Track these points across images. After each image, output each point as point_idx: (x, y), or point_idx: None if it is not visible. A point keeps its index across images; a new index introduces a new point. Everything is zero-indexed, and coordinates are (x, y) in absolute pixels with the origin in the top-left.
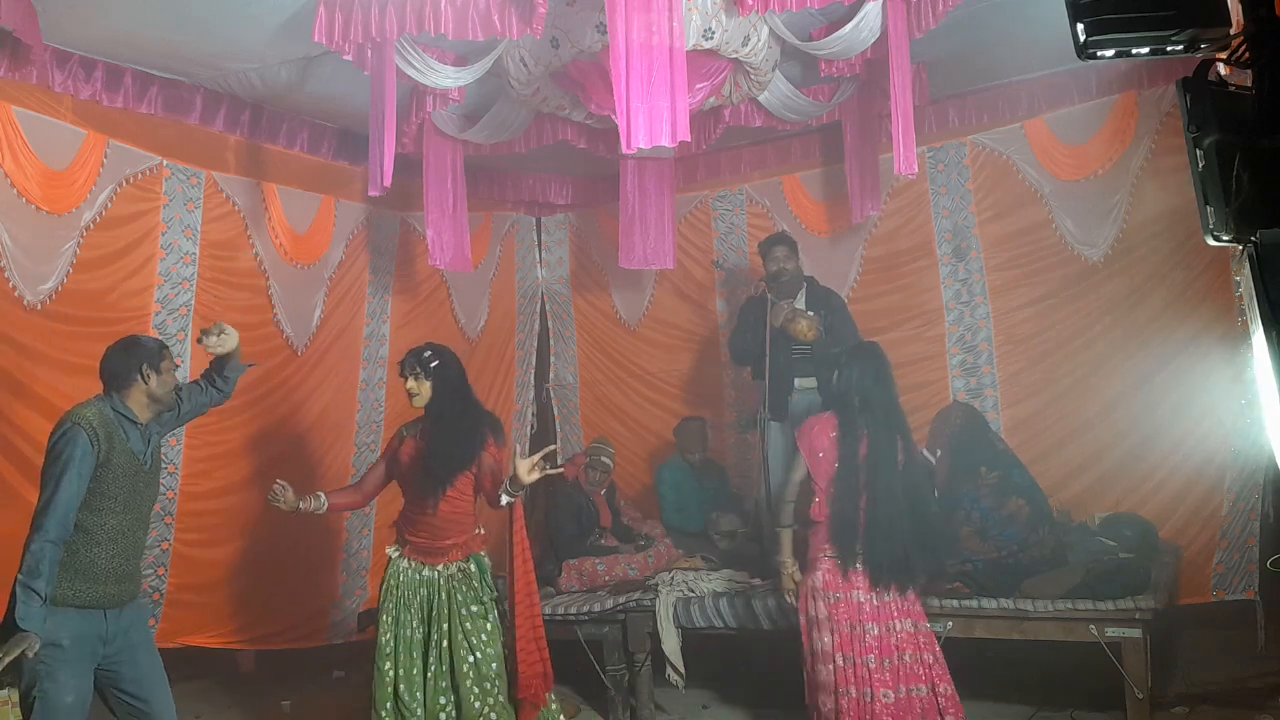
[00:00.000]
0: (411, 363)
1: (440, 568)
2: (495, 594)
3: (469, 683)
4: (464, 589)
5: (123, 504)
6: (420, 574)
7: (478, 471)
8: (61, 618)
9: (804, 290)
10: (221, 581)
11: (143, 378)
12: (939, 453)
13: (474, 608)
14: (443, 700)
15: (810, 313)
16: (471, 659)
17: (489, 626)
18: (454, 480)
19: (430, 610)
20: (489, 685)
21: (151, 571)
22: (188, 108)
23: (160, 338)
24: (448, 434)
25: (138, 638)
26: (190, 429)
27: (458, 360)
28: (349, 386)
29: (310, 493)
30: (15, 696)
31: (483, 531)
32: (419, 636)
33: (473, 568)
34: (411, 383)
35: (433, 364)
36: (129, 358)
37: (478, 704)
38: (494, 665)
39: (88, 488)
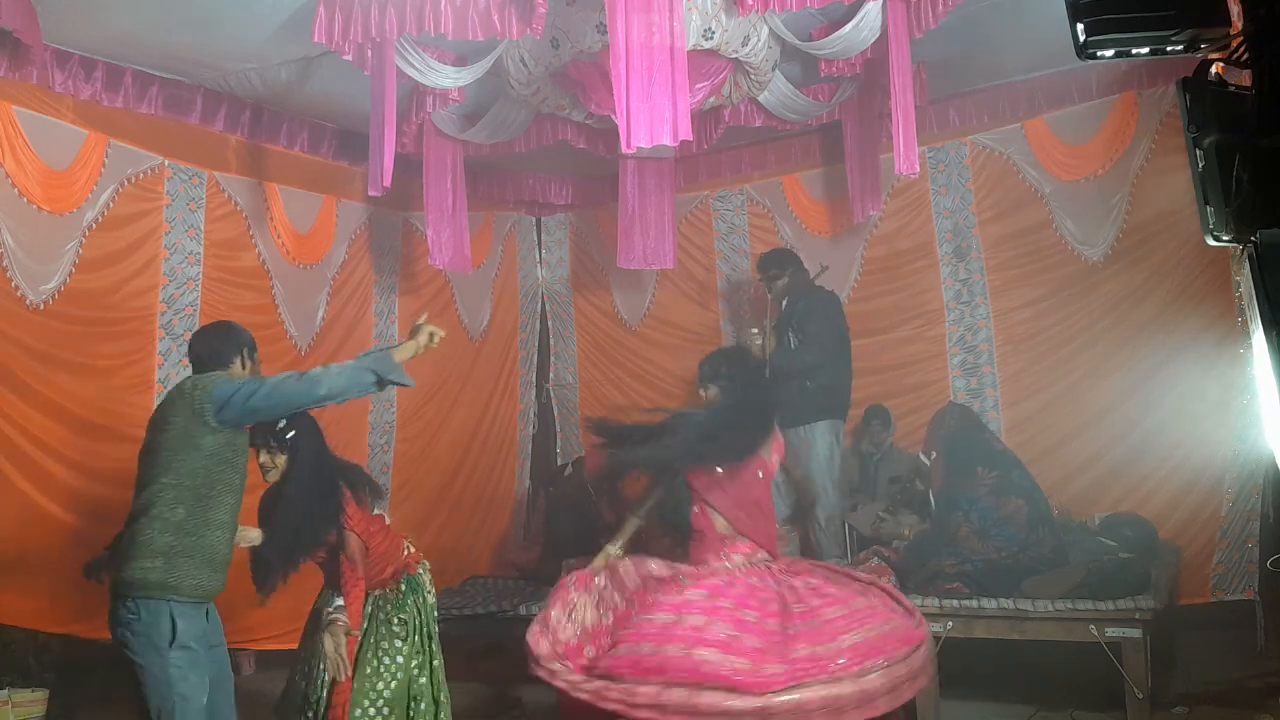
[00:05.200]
0: (263, 436)
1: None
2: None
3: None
4: (388, 608)
5: (239, 481)
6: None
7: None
8: (187, 618)
9: (785, 302)
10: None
11: (240, 363)
12: (934, 454)
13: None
14: None
15: (754, 330)
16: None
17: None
18: (297, 569)
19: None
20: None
21: None
22: (188, 108)
23: (168, 337)
24: (296, 509)
25: (219, 637)
26: None
27: (316, 426)
28: None
29: None
30: (15, 696)
31: (411, 550)
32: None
33: (403, 588)
34: (264, 457)
35: (288, 435)
36: (230, 339)
37: None
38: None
39: (213, 465)
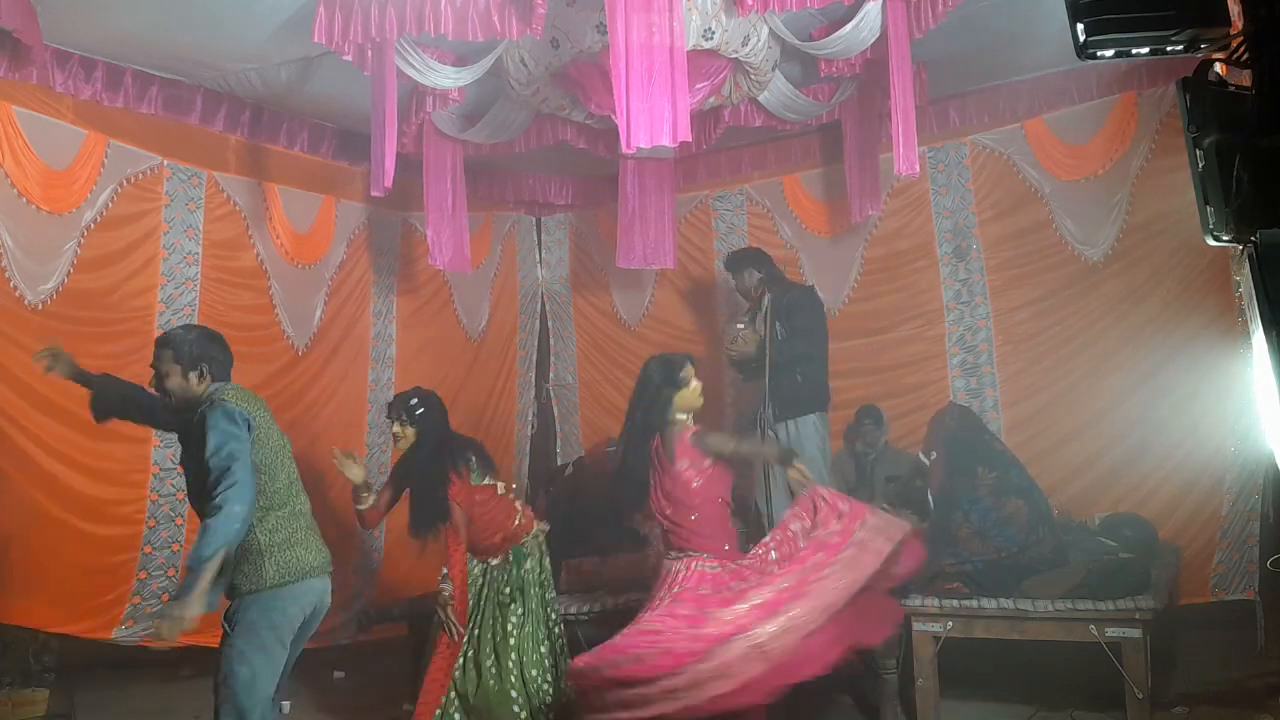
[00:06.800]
0: (398, 409)
1: (493, 560)
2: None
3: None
4: (499, 579)
5: None
6: (474, 569)
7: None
8: None
9: (767, 299)
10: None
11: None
12: (933, 454)
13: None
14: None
15: (740, 325)
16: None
17: (509, 622)
18: (436, 529)
19: (475, 603)
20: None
21: (161, 572)
22: (188, 108)
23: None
24: (419, 483)
25: None
26: None
27: (441, 405)
28: (359, 388)
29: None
30: (15, 696)
31: (523, 519)
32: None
33: (510, 558)
34: (397, 427)
35: (418, 411)
36: (228, 350)
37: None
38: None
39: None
